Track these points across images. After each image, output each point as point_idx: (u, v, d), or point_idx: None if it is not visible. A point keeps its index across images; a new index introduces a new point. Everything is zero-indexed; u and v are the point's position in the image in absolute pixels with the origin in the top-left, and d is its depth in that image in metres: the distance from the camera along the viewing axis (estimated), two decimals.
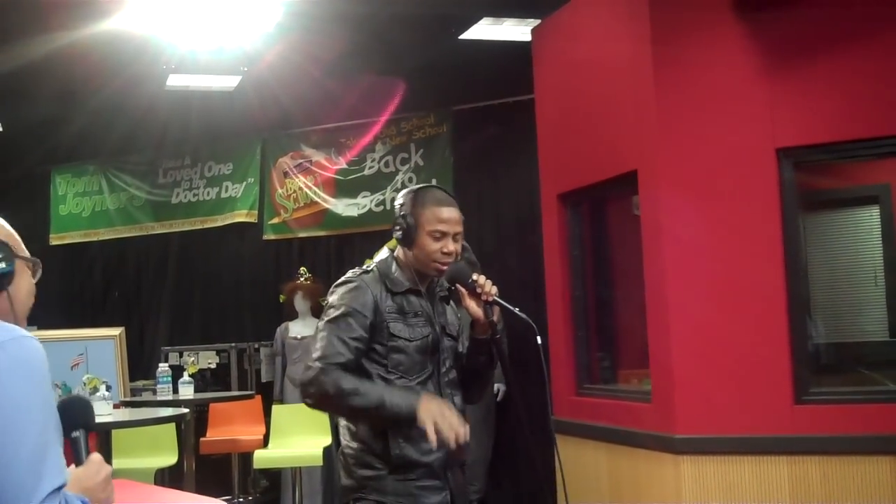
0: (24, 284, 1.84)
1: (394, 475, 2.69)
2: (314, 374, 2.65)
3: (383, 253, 2.93)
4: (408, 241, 2.79)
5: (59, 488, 1.57)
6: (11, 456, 1.53)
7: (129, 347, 7.25)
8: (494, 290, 2.73)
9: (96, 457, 1.84)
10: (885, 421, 3.91)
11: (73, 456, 1.85)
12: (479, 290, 2.72)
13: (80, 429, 1.86)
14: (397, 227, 2.80)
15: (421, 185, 2.98)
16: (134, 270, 9.07)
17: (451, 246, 2.77)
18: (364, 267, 2.90)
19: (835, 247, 4.76)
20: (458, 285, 2.79)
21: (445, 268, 2.78)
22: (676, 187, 4.26)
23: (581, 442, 4.88)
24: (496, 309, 2.75)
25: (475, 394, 2.97)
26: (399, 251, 2.88)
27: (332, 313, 2.76)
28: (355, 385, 2.63)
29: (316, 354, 2.69)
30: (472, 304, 2.74)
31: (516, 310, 2.71)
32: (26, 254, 1.87)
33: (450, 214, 2.79)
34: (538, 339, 2.69)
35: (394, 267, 2.84)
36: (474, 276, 2.73)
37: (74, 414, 1.86)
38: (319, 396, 2.67)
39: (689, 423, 4.13)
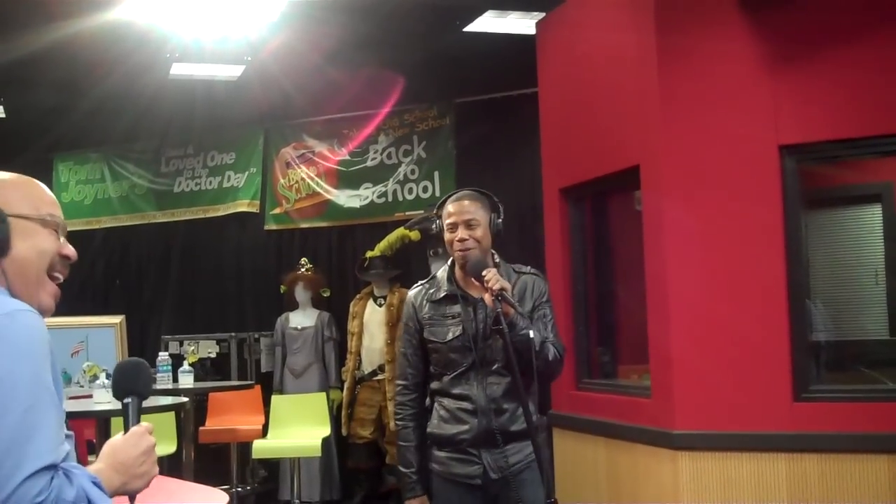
0: (29, 246, 1.72)
1: (434, 447, 3.27)
2: (396, 400, 3.38)
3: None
4: (444, 241, 3.28)
5: (50, 466, 1.49)
6: None
7: (130, 335, 7.26)
8: (498, 285, 3.03)
9: (139, 428, 1.76)
10: (884, 419, 3.92)
11: (124, 423, 1.80)
12: (486, 284, 3.06)
13: (132, 395, 1.81)
14: (435, 230, 3.32)
15: (452, 192, 3.40)
16: (135, 259, 9.07)
17: (461, 233, 3.18)
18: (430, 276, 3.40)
19: (836, 244, 4.76)
20: (474, 279, 3.15)
21: (465, 254, 3.17)
22: (679, 183, 4.25)
23: (580, 436, 4.89)
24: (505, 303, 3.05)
25: (539, 372, 3.14)
26: None
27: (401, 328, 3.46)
28: (405, 447, 3.30)
29: (397, 373, 3.44)
30: (486, 296, 3.08)
31: (517, 306, 3.07)
32: (29, 212, 1.74)
33: (455, 207, 3.22)
34: (531, 332, 3.04)
35: (446, 274, 3.30)
36: (484, 272, 3.07)
37: (129, 379, 1.82)
38: (396, 425, 3.40)
39: (689, 419, 4.13)
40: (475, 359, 3.18)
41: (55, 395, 1.57)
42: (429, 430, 3.27)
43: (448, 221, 3.22)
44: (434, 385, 3.30)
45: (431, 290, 3.30)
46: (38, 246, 1.74)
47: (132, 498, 1.76)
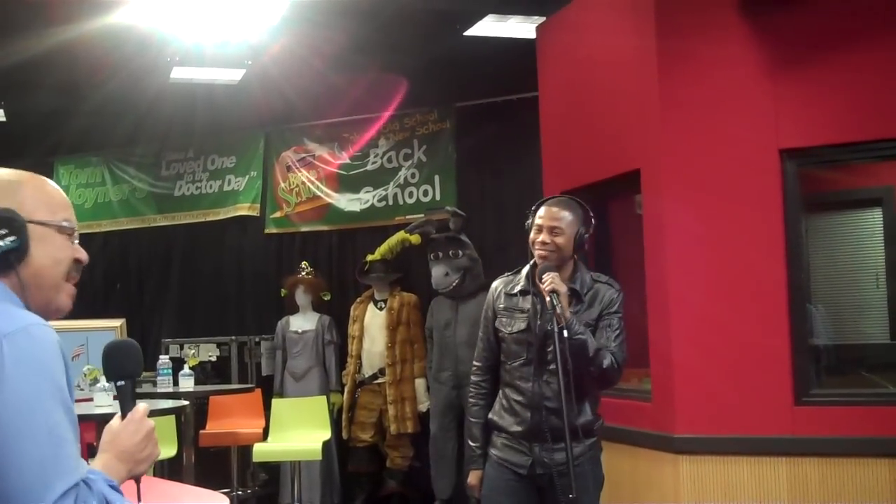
0: (46, 253, 1.68)
1: (495, 432, 3.48)
2: (471, 380, 3.61)
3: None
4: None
5: (75, 486, 1.48)
6: (19, 458, 1.44)
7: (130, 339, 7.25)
8: (550, 287, 3.20)
9: (137, 412, 1.74)
10: (884, 423, 3.92)
11: (120, 406, 1.76)
12: (542, 286, 3.24)
13: (126, 378, 1.76)
14: (528, 227, 3.46)
15: (550, 197, 3.58)
16: (136, 262, 9.06)
17: (544, 237, 3.35)
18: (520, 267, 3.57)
19: (837, 248, 4.76)
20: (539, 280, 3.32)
21: (544, 254, 3.34)
22: (679, 187, 4.26)
23: None
24: (563, 303, 3.20)
25: (593, 377, 3.37)
26: None
27: None
28: (473, 423, 3.56)
29: (475, 355, 3.63)
30: (547, 298, 3.21)
31: (558, 307, 3.16)
32: (47, 217, 1.70)
33: (546, 212, 3.39)
34: (564, 332, 3.13)
35: (527, 269, 3.48)
36: (545, 275, 3.25)
37: (121, 361, 1.77)
38: (469, 401, 3.64)
39: (689, 423, 4.13)
40: (534, 354, 3.34)
41: (71, 409, 1.56)
42: (490, 415, 3.50)
43: (538, 223, 3.38)
44: (501, 373, 3.50)
45: (510, 284, 3.51)
46: (54, 254, 1.70)
47: (138, 480, 1.75)
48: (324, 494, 7.47)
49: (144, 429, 1.73)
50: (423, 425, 7.06)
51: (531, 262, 3.46)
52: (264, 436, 7.10)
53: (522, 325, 3.41)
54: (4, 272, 1.63)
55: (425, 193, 7.76)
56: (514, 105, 7.16)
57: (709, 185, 4.22)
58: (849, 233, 4.84)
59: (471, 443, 3.58)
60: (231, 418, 7.47)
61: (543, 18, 5.53)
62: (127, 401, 1.75)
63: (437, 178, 7.74)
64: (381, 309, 7.34)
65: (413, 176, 7.84)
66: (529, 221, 3.43)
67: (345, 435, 7.34)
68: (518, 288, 3.47)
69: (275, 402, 7.40)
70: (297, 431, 7.05)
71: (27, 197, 1.70)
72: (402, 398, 7.11)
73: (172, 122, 8.11)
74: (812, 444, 3.97)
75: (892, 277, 4.53)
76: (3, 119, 7.85)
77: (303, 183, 8.30)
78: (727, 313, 4.14)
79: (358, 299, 7.56)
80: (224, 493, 5.46)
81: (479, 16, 5.96)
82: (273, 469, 7.72)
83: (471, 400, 3.60)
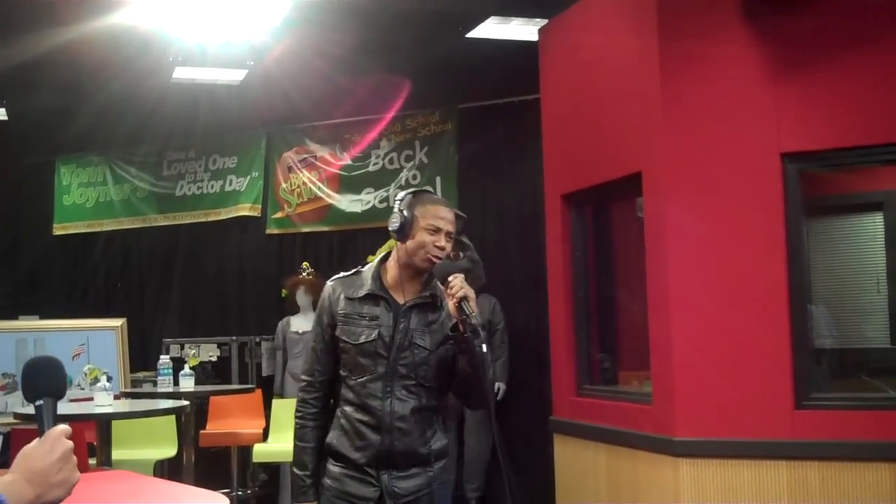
0: None
1: (330, 459, 3.06)
2: (298, 396, 3.17)
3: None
4: (403, 234, 2.95)
5: None
6: None
7: (131, 339, 7.26)
8: (462, 292, 2.83)
9: (54, 431, 1.57)
10: (885, 428, 3.91)
11: (38, 427, 1.61)
12: (449, 290, 2.86)
13: (44, 397, 1.61)
14: (395, 220, 2.96)
15: (420, 188, 3.18)
16: (137, 262, 9.07)
17: (443, 242, 2.95)
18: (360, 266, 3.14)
19: (838, 253, 4.76)
20: (439, 282, 2.96)
21: (436, 262, 2.95)
22: (681, 190, 4.25)
23: (580, 442, 4.88)
24: (474, 309, 2.85)
25: (471, 398, 3.05)
26: (393, 251, 3.06)
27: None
28: (301, 447, 3.14)
29: (303, 368, 3.17)
30: (450, 303, 2.87)
31: (473, 315, 2.80)
32: None
33: (446, 214, 2.98)
34: (483, 346, 2.81)
35: (373, 271, 3.05)
36: (451, 277, 2.88)
37: (39, 379, 1.63)
38: (296, 423, 3.20)
39: (689, 426, 4.13)
40: (386, 369, 2.94)
41: None
42: (327, 439, 3.06)
43: (433, 223, 2.95)
44: (340, 389, 3.04)
45: (352, 287, 3.04)
46: None
47: None
48: None
49: (60, 449, 1.55)
50: None
51: (378, 259, 3.10)
52: (264, 436, 7.10)
53: (373, 335, 2.95)
54: None
55: None
56: (516, 107, 7.17)
57: (710, 188, 4.22)
58: (850, 237, 4.84)
59: (297, 471, 3.11)
60: (231, 419, 7.47)
61: (546, 21, 5.53)
62: (46, 421, 1.60)
63: (438, 179, 7.74)
64: None
65: (414, 177, 7.85)
66: (407, 214, 2.95)
67: None
68: (363, 292, 3.01)
69: (275, 402, 7.40)
70: None
71: None
72: None
73: (174, 122, 8.12)
74: (812, 448, 3.97)
75: (892, 282, 4.53)
76: (6, 118, 7.85)
77: (304, 184, 8.30)
78: (728, 316, 4.14)
79: None
80: (224, 493, 5.44)
81: (482, 18, 5.96)
82: (273, 470, 7.72)
83: (298, 421, 3.14)
